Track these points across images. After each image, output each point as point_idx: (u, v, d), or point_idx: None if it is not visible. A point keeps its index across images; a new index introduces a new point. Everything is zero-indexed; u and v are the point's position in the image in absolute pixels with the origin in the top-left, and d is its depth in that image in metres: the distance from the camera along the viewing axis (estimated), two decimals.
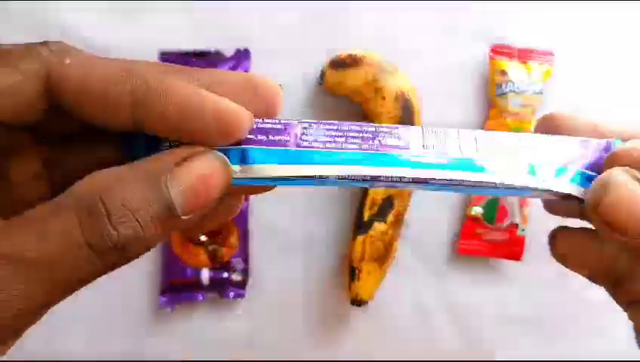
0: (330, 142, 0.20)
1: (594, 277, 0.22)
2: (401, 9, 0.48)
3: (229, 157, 0.18)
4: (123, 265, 0.17)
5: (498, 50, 0.48)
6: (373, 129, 0.20)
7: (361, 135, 0.20)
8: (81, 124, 0.17)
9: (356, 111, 0.47)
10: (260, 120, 0.20)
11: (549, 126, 0.22)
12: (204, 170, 0.17)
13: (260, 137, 0.19)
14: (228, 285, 0.47)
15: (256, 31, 0.47)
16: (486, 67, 0.48)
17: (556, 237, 0.22)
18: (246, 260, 0.47)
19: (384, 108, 0.44)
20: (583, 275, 0.23)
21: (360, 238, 0.45)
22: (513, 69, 0.47)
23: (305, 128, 0.20)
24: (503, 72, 0.47)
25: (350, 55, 0.45)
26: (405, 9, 0.48)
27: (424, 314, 0.49)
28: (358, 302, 0.45)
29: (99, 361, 0.47)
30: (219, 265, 0.47)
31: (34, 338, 0.46)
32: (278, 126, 0.20)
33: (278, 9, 0.47)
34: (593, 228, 0.20)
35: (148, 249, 0.17)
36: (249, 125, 0.18)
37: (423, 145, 0.20)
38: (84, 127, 0.18)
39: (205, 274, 0.46)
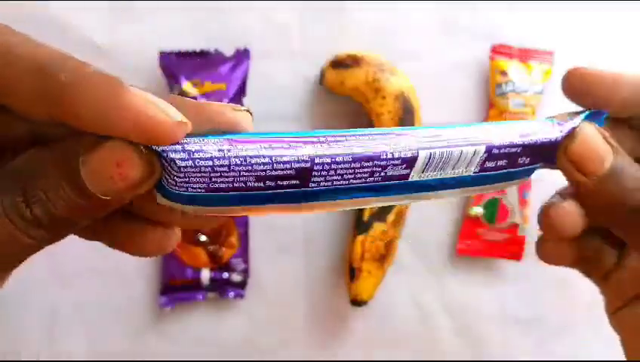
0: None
1: (572, 265, 0.26)
2: (401, 9, 0.48)
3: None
4: (54, 240, 0.17)
5: (498, 50, 0.48)
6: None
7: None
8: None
9: (356, 111, 0.47)
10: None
11: (574, 82, 0.26)
12: (114, 156, 0.16)
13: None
14: (228, 285, 0.47)
15: (256, 31, 0.47)
16: (486, 67, 0.48)
17: (541, 246, 0.26)
18: (246, 260, 0.47)
19: (384, 108, 0.44)
20: (562, 266, 0.26)
21: (360, 238, 0.45)
22: (513, 68, 0.47)
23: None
24: (503, 72, 0.47)
25: (350, 55, 0.45)
26: (405, 9, 0.48)
27: (424, 314, 0.49)
28: (358, 302, 0.46)
29: (99, 361, 0.47)
30: (219, 265, 0.47)
31: (34, 338, 0.46)
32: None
33: (277, 9, 0.47)
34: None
35: (75, 226, 0.17)
36: (176, 136, 0.17)
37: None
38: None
39: (205, 274, 0.46)
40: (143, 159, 0.17)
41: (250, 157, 0.17)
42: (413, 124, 0.45)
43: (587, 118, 0.24)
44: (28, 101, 0.16)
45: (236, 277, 0.47)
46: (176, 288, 0.46)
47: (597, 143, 0.22)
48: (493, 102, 0.48)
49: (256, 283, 0.48)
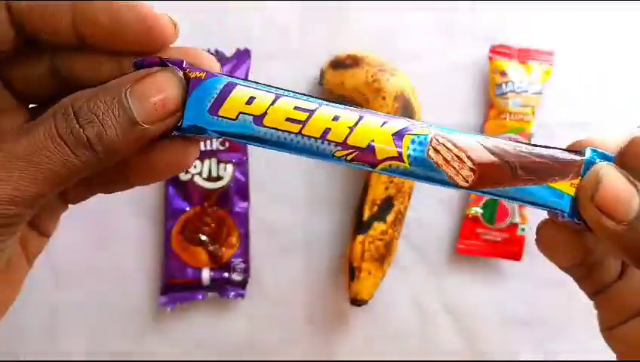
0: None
1: (568, 267, 0.24)
2: (401, 9, 0.48)
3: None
4: (97, 164, 0.19)
5: (498, 51, 0.48)
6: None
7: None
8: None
9: None
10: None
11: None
12: (159, 83, 0.19)
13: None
14: (228, 285, 0.47)
15: (257, 31, 0.47)
16: (486, 67, 0.48)
17: (542, 229, 0.24)
18: (246, 260, 0.47)
19: (384, 109, 0.44)
20: (559, 265, 0.24)
21: (360, 238, 0.45)
22: (513, 69, 0.47)
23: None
24: (503, 73, 0.47)
25: (350, 55, 0.45)
26: (405, 9, 0.48)
27: (424, 314, 0.49)
28: (358, 302, 0.46)
29: (99, 361, 0.47)
30: (219, 265, 0.47)
31: (34, 338, 0.46)
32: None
33: (278, 9, 0.47)
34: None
35: (117, 152, 0.19)
36: (172, 30, 0.21)
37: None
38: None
39: (205, 274, 0.46)
40: (180, 87, 0.20)
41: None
42: None
43: (598, 157, 0.21)
44: (54, 14, 0.19)
45: (236, 277, 0.47)
46: (177, 288, 0.46)
47: (622, 186, 0.20)
48: (492, 103, 0.48)
49: (257, 283, 0.48)
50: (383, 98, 0.44)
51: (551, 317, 0.49)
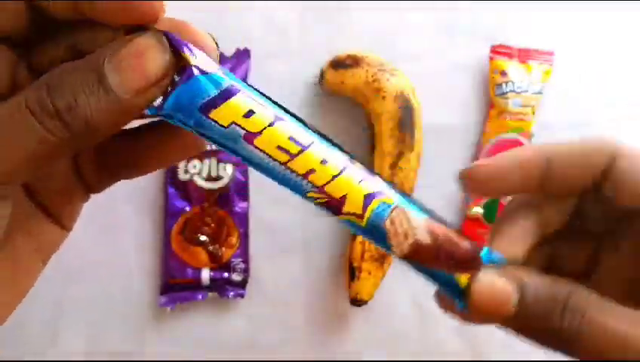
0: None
1: None
2: (401, 9, 0.48)
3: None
4: (73, 140, 0.18)
5: (498, 50, 0.48)
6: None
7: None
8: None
9: (356, 111, 0.47)
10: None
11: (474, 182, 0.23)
12: (137, 47, 0.18)
13: None
14: (228, 285, 0.47)
15: (257, 31, 0.47)
16: (486, 67, 0.48)
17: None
18: (246, 260, 0.47)
19: (384, 108, 0.44)
20: None
21: (360, 238, 0.45)
22: (513, 68, 0.47)
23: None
24: (503, 72, 0.47)
25: (350, 55, 0.45)
26: (405, 9, 0.48)
27: (424, 314, 0.49)
28: (358, 302, 0.46)
29: (99, 361, 0.47)
30: (219, 265, 0.47)
31: (34, 338, 0.46)
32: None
33: (278, 9, 0.47)
34: None
35: (93, 126, 0.17)
36: (157, 8, 0.19)
37: None
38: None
39: (205, 274, 0.46)
40: (164, 55, 0.18)
41: None
42: (413, 124, 0.45)
43: (486, 259, 0.22)
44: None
45: (236, 277, 0.47)
46: (177, 288, 0.46)
47: (494, 294, 0.20)
48: (492, 102, 0.48)
49: (257, 283, 0.48)
50: (383, 98, 0.44)
51: None
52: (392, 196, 0.21)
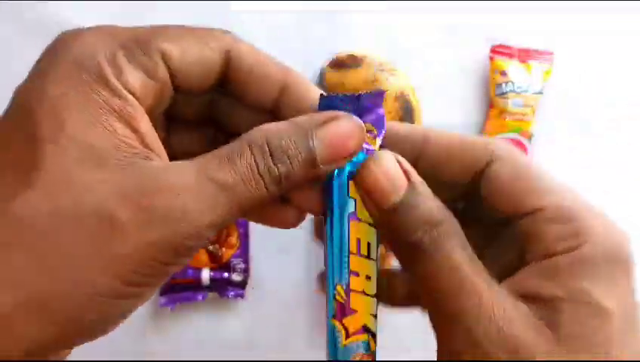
0: None
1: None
2: (401, 9, 0.48)
3: None
4: (277, 196, 0.20)
5: (498, 50, 0.48)
6: None
7: None
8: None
9: None
10: None
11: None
12: (343, 130, 0.20)
13: None
14: (228, 285, 0.47)
15: (257, 31, 0.47)
16: (486, 67, 0.48)
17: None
18: (246, 260, 0.47)
19: (384, 108, 0.44)
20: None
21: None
22: (513, 68, 0.47)
23: None
24: (503, 72, 0.47)
25: (350, 55, 0.45)
26: (405, 9, 0.48)
27: (424, 314, 0.49)
28: None
29: (99, 361, 0.47)
30: (219, 265, 0.47)
31: None
32: None
33: (277, 9, 0.47)
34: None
35: (295, 186, 0.20)
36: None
37: None
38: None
39: (205, 274, 0.46)
40: (362, 134, 0.21)
41: None
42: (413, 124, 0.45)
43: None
44: (267, 87, 0.23)
45: (236, 277, 0.47)
46: (177, 288, 0.46)
47: (387, 175, 0.20)
48: (493, 102, 0.48)
49: (257, 283, 0.48)
50: None
51: None
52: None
